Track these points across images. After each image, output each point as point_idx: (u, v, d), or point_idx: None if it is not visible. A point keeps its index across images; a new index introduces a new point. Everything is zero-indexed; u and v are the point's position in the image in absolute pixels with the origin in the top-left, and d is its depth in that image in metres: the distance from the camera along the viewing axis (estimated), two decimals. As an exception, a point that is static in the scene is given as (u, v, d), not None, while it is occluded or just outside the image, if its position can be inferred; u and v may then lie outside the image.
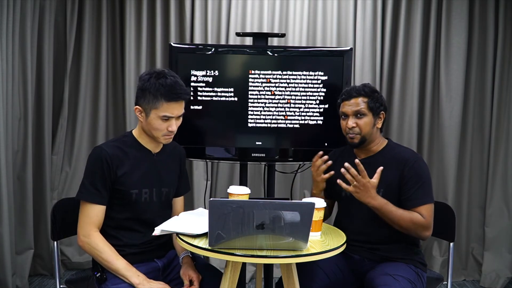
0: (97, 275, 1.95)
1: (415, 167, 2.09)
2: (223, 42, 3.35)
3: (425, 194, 2.07)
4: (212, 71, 2.63)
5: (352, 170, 2.02)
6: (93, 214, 1.93)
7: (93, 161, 1.94)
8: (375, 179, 2.02)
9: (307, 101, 2.66)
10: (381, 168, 2.04)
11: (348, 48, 2.71)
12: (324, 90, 2.66)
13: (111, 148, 1.97)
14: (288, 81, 2.65)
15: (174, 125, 1.96)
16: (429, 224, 2.06)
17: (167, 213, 2.10)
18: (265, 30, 3.33)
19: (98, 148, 1.96)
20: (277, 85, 2.65)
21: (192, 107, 2.64)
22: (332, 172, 2.18)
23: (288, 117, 2.67)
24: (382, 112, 2.19)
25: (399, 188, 2.10)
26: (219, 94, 2.65)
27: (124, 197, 1.97)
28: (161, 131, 1.95)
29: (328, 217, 2.31)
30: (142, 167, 2.01)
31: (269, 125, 2.67)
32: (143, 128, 1.99)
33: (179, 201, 2.19)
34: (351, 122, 2.15)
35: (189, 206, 3.27)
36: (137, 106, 1.96)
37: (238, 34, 2.84)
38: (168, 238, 2.11)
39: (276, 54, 2.69)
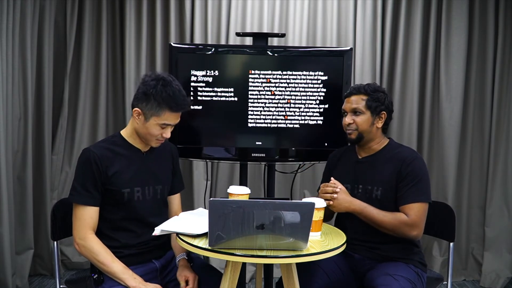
0: (94, 277, 1.95)
1: (411, 165, 2.09)
2: (223, 42, 3.35)
3: (419, 193, 2.06)
4: (212, 71, 2.63)
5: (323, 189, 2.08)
6: (87, 216, 1.93)
7: (83, 163, 1.94)
8: (339, 184, 2.07)
9: (307, 101, 2.66)
10: (332, 178, 2.11)
11: (348, 48, 2.71)
12: (324, 90, 2.66)
13: (100, 149, 1.96)
14: (288, 81, 2.65)
15: (169, 132, 1.99)
16: (415, 223, 2.04)
17: (163, 211, 2.10)
18: (265, 30, 3.33)
19: (87, 150, 1.96)
20: (277, 85, 2.65)
21: (192, 107, 2.64)
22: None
23: (288, 117, 2.67)
24: (383, 112, 2.18)
25: (396, 186, 2.10)
26: (219, 94, 2.65)
27: (116, 197, 1.97)
28: (155, 136, 1.97)
29: (329, 219, 2.31)
30: (132, 166, 2.00)
31: (269, 125, 2.67)
32: (137, 129, 1.99)
33: (175, 199, 2.18)
34: (348, 118, 2.18)
35: (189, 206, 3.27)
36: (136, 109, 1.95)
37: (238, 34, 2.84)
38: (166, 239, 2.11)
39: (276, 54, 2.69)
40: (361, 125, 2.15)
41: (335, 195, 2.04)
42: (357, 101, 2.16)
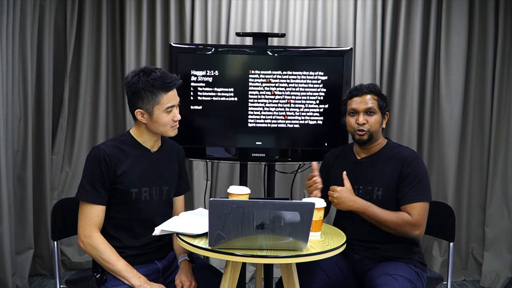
0: (97, 276, 1.95)
1: (412, 165, 2.10)
2: (223, 42, 3.35)
3: (420, 192, 2.08)
4: (212, 71, 2.63)
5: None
6: (93, 215, 1.93)
7: (92, 161, 1.94)
8: (346, 183, 2.08)
9: (307, 101, 2.66)
10: (345, 172, 2.11)
11: (348, 48, 2.71)
12: (324, 90, 2.66)
13: (109, 147, 1.96)
14: (288, 81, 2.65)
15: (178, 114, 2.00)
16: (418, 222, 2.05)
17: (168, 212, 2.10)
18: (265, 30, 3.33)
19: (96, 148, 1.96)
20: (277, 85, 2.65)
21: (192, 107, 2.65)
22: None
23: (288, 117, 2.67)
24: (387, 112, 2.21)
25: (397, 186, 2.10)
26: (219, 94, 2.65)
27: (124, 196, 1.97)
28: (168, 124, 1.97)
29: (325, 216, 2.31)
30: (141, 165, 2.00)
31: (269, 125, 2.67)
32: (149, 128, 1.99)
33: (179, 201, 2.18)
34: (362, 118, 2.15)
35: (189, 206, 3.27)
36: (137, 110, 1.95)
37: (238, 34, 2.84)
38: (168, 239, 2.11)
39: (276, 54, 2.69)
40: (374, 125, 2.15)
41: (335, 194, 2.06)
42: (371, 101, 2.16)
